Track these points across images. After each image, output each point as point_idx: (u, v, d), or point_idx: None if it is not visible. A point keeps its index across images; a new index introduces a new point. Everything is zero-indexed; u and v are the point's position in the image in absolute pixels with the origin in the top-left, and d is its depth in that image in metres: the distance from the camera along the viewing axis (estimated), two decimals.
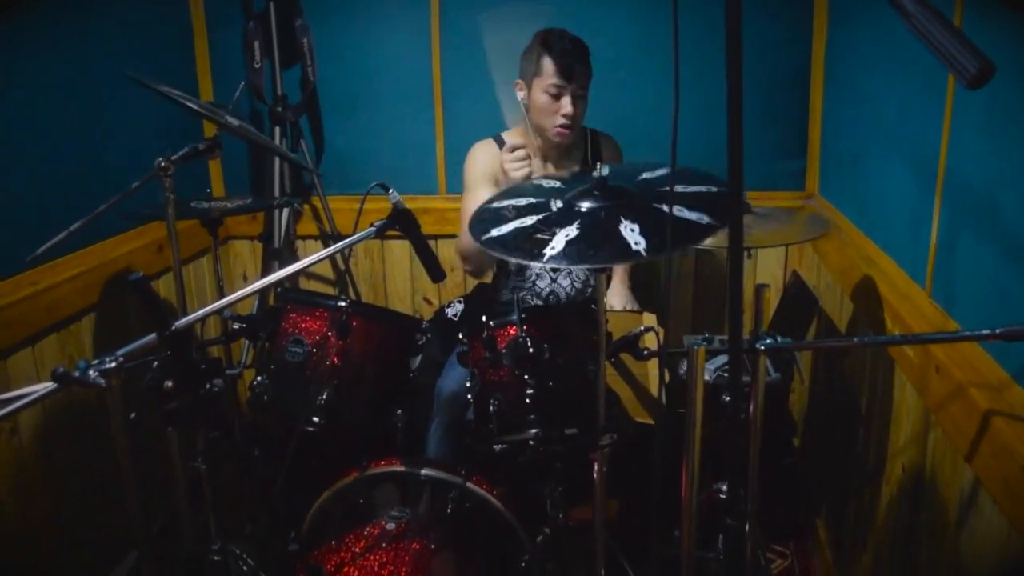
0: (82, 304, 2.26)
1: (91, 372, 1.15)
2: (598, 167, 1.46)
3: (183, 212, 2.17)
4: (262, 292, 2.84)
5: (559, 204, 1.49)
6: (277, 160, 2.90)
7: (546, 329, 1.78)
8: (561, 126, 2.28)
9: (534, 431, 1.72)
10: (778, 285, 2.92)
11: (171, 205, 1.93)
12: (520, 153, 2.21)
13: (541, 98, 2.26)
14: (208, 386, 1.23)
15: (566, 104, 2.24)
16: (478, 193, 2.30)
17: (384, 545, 1.79)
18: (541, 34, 2.29)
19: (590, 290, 2.45)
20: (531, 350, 1.72)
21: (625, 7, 2.80)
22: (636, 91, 2.83)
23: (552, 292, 2.46)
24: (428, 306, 3.16)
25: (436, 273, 1.87)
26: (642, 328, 1.76)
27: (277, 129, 2.88)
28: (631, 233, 1.33)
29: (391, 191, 1.69)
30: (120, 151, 2.46)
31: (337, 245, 1.59)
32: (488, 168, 2.38)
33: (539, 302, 2.44)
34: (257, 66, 2.83)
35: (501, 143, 2.37)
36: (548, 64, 2.23)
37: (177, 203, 1.95)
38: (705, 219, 1.35)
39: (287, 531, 1.62)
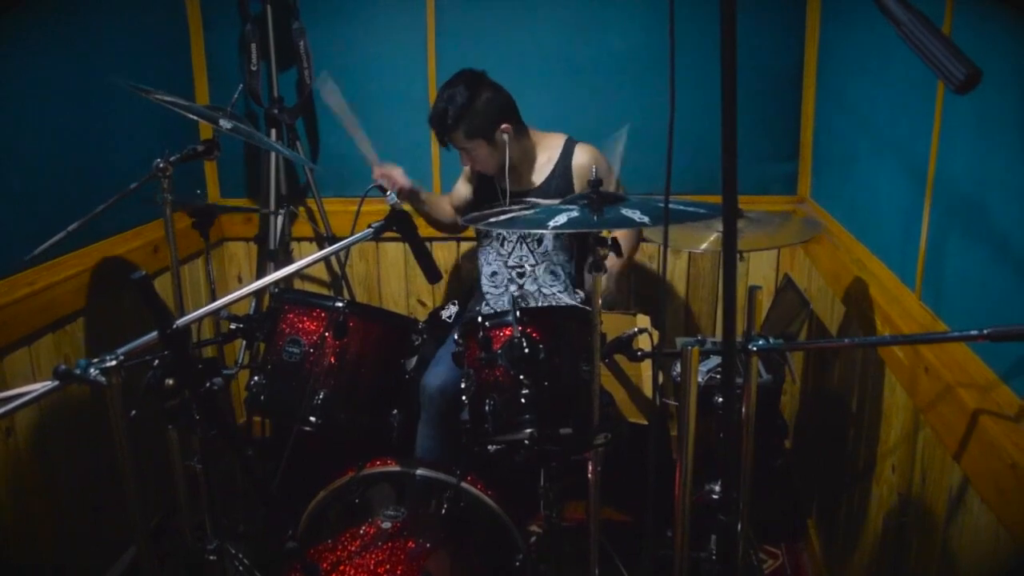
0: (79, 304, 2.26)
1: (92, 370, 1.15)
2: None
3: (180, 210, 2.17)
4: (258, 293, 2.84)
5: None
6: (273, 163, 2.91)
7: (541, 330, 1.79)
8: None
9: (529, 431, 1.74)
10: (770, 288, 2.94)
11: (169, 206, 1.94)
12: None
13: None
14: (208, 384, 1.24)
15: (461, 156, 2.40)
16: (458, 180, 2.70)
17: (380, 544, 1.80)
18: None
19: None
20: (527, 351, 1.73)
21: (618, 10, 2.82)
22: (631, 94, 2.85)
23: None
24: (422, 308, 3.17)
25: (432, 274, 1.88)
26: (636, 329, 1.78)
27: (273, 131, 2.89)
28: (632, 212, 1.48)
29: (389, 193, 1.71)
30: (118, 152, 2.46)
31: (336, 245, 1.60)
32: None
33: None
34: (254, 69, 2.84)
35: None
36: None
37: (174, 203, 1.97)
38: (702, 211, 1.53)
39: (283, 530, 1.63)
